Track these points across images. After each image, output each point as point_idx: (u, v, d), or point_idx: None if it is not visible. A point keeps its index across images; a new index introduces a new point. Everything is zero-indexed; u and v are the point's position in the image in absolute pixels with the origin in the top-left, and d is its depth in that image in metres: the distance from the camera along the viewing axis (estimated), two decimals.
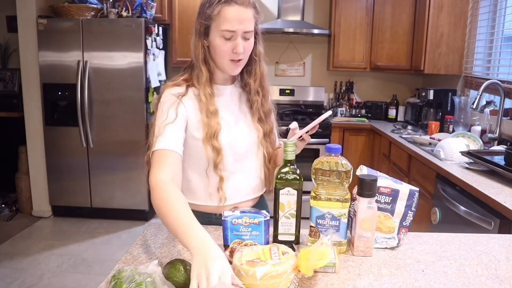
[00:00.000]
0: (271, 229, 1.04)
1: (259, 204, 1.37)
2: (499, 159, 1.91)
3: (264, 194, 1.38)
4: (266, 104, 1.29)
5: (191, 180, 1.24)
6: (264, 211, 1.00)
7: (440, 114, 3.27)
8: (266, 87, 1.28)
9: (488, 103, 2.91)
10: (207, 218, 1.26)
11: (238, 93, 1.29)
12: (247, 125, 1.26)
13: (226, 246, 0.97)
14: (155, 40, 3.61)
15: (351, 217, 1.06)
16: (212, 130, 1.16)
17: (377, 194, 1.04)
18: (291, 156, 1.02)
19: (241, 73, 1.26)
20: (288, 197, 1.02)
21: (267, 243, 0.99)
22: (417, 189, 1.07)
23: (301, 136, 1.22)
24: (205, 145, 1.17)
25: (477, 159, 1.96)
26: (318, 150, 3.61)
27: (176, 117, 1.13)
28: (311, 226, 1.03)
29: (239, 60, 1.16)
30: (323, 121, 1.22)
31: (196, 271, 0.77)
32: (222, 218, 0.96)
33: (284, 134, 1.31)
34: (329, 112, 1.20)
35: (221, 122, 1.19)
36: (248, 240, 0.97)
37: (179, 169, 1.09)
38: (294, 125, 1.24)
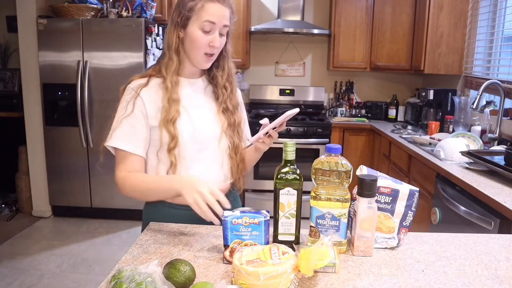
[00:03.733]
0: (271, 229, 1.04)
1: (230, 195, 1.33)
2: (499, 159, 1.91)
3: (233, 186, 1.37)
4: (233, 98, 1.33)
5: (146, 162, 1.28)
6: (264, 211, 1.00)
7: (440, 114, 3.27)
8: (233, 83, 1.33)
9: (488, 103, 2.91)
10: (154, 204, 1.30)
11: (204, 86, 1.32)
12: (210, 116, 1.29)
13: (226, 246, 0.97)
14: (155, 40, 3.61)
15: (351, 217, 1.06)
16: (170, 116, 1.19)
17: (377, 194, 1.04)
18: (291, 156, 1.02)
19: (210, 67, 1.29)
20: (288, 197, 1.02)
21: (267, 243, 0.99)
22: (417, 189, 1.07)
23: (267, 132, 1.22)
24: (160, 129, 1.20)
25: (477, 159, 1.96)
26: (318, 150, 3.61)
27: (133, 111, 1.20)
28: (311, 226, 1.03)
29: (212, 54, 1.22)
30: (291, 118, 1.21)
31: (192, 199, 1.01)
32: (222, 218, 0.96)
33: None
34: (296, 110, 1.19)
35: (183, 112, 1.22)
36: (248, 240, 0.97)
37: (137, 166, 1.23)
38: (265, 120, 1.22)
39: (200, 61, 1.22)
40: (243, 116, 1.38)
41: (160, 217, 1.27)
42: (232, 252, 0.95)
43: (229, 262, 0.94)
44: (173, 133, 1.19)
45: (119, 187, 1.22)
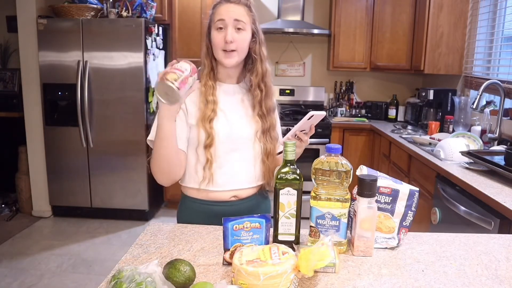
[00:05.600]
0: (271, 230, 1.04)
1: (260, 195, 1.40)
2: (499, 159, 1.91)
3: (265, 187, 1.40)
4: (268, 101, 1.35)
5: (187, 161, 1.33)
6: (266, 215, 0.99)
7: (440, 114, 3.27)
8: (268, 85, 1.35)
9: (488, 103, 2.91)
10: (191, 201, 1.34)
11: (242, 92, 1.37)
12: (246, 119, 1.33)
13: (226, 249, 0.97)
14: (155, 40, 3.61)
15: (351, 217, 1.06)
16: (206, 115, 1.25)
17: (377, 194, 1.04)
18: (291, 156, 1.02)
19: (244, 72, 1.35)
20: (288, 197, 1.02)
21: (267, 244, 0.99)
22: (417, 189, 1.07)
23: (296, 135, 1.24)
24: (198, 127, 1.26)
25: (477, 159, 1.96)
26: (318, 150, 3.61)
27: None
28: (311, 226, 1.03)
29: (232, 51, 1.25)
30: (322, 120, 1.23)
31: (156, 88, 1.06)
32: (223, 223, 0.96)
33: (284, 134, 1.33)
34: (323, 112, 1.21)
35: (220, 113, 1.28)
36: (249, 244, 0.97)
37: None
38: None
39: (221, 59, 1.27)
40: (276, 120, 1.41)
41: (192, 213, 1.34)
42: (232, 255, 0.95)
43: (229, 264, 0.94)
44: (209, 131, 1.25)
45: (152, 172, 1.24)
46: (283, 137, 1.35)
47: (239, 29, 1.24)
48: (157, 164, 1.21)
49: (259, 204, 1.40)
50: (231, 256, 0.94)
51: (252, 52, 1.30)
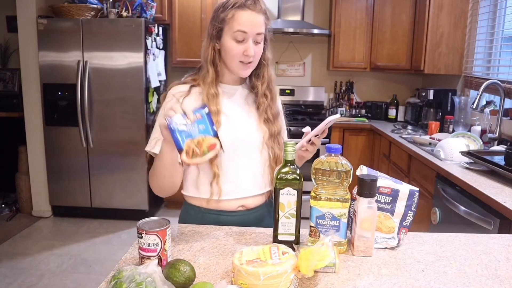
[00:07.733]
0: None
1: (269, 202, 1.36)
2: (499, 159, 1.91)
3: (272, 193, 1.38)
4: (273, 107, 1.31)
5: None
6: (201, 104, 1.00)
7: (440, 114, 3.28)
8: (273, 91, 1.31)
9: (488, 103, 2.91)
10: (196, 210, 1.28)
11: (246, 94, 1.32)
12: (253, 125, 1.28)
13: (180, 150, 0.95)
14: (155, 40, 3.61)
15: (351, 217, 1.06)
16: None
17: (377, 194, 1.04)
18: (291, 156, 1.02)
19: (250, 76, 1.30)
20: (288, 197, 1.02)
21: (215, 133, 0.99)
22: (417, 189, 1.07)
23: (310, 140, 1.22)
24: None
25: (477, 159, 1.96)
26: (318, 150, 3.60)
27: None
28: (311, 226, 1.03)
29: (249, 62, 1.20)
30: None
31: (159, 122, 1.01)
32: (168, 125, 0.94)
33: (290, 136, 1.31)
34: (337, 115, 1.20)
35: (225, 119, 1.22)
36: (199, 136, 0.96)
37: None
38: (307, 129, 1.24)
39: (237, 70, 1.22)
40: (282, 124, 1.36)
41: (192, 221, 1.27)
42: (187, 154, 0.94)
43: (188, 165, 0.93)
44: None
45: (151, 186, 1.20)
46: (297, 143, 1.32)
47: (256, 42, 1.19)
48: (157, 183, 1.17)
49: (270, 213, 1.33)
50: (188, 155, 0.94)
51: (262, 58, 1.26)
